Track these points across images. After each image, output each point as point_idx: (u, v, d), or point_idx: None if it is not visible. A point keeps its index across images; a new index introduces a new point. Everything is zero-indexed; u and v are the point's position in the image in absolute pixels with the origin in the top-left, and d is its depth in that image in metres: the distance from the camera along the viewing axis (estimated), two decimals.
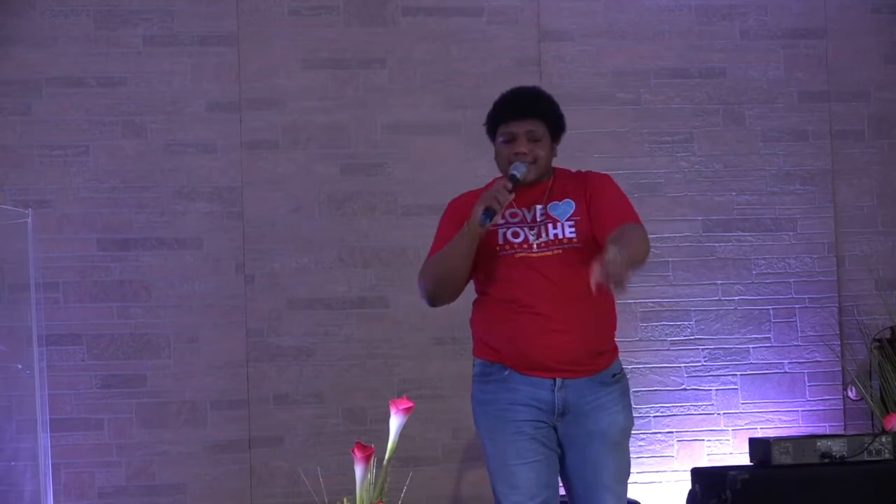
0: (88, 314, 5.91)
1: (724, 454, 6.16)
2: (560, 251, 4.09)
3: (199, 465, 5.93)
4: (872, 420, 6.13)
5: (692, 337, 6.23)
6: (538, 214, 4.16)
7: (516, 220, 4.16)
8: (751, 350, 6.26)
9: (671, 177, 6.28)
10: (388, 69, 6.17)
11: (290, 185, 6.07)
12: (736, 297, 6.26)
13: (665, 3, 6.33)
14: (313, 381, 6.01)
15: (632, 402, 4.21)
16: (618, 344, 4.21)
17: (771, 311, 6.28)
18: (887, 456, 5.53)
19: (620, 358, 4.23)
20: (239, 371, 5.98)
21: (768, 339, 6.27)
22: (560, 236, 4.11)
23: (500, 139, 4.19)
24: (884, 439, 5.55)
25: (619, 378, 4.17)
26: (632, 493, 5.90)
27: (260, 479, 5.96)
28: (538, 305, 4.05)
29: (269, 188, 6.06)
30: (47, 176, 5.95)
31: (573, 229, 4.11)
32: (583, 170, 4.36)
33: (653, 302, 6.22)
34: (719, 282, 6.26)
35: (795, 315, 6.29)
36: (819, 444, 5.52)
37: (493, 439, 4.13)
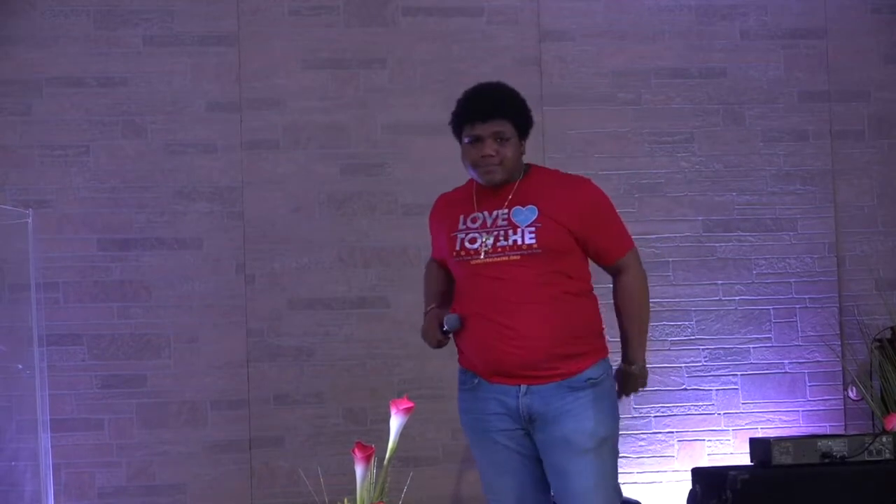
0: (89, 314, 5.91)
1: (725, 454, 6.16)
2: (518, 257, 4.00)
3: (199, 465, 5.93)
4: (873, 420, 6.13)
5: (693, 337, 6.23)
6: (500, 219, 4.07)
7: (476, 224, 4.10)
8: (751, 350, 6.26)
9: (671, 177, 6.28)
10: (389, 69, 6.17)
11: (291, 185, 6.07)
12: (736, 297, 6.26)
13: (665, 4, 6.33)
14: (313, 381, 6.01)
15: (610, 408, 4.04)
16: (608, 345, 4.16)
17: (771, 311, 6.28)
18: (888, 456, 5.53)
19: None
20: (239, 371, 5.98)
21: (769, 339, 6.27)
22: (520, 242, 4.01)
23: (465, 140, 4.09)
24: (884, 439, 5.55)
25: (596, 383, 4.03)
26: (632, 493, 5.91)
27: (260, 480, 5.96)
28: (492, 312, 3.99)
29: (269, 188, 6.06)
30: (47, 176, 5.94)
31: (533, 236, 4.01)
32: (577, 174, 4.22)
33: (653, 302, 6.08)
34: (720, 282, 6.26)
35: (796, 315, 6.29)
36: (819, 444, 5.51)
37: (475, 447, 4.14)
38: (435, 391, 6.01)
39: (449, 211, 4.20)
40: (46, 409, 5.66)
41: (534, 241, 4.00)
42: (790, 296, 6.28)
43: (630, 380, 4.20)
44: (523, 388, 4.00)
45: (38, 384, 5.54)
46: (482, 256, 4.02)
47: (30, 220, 5.66)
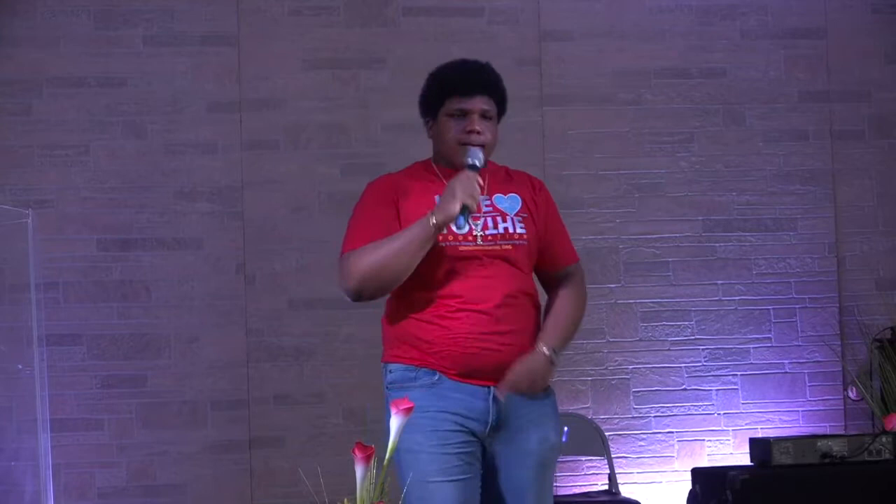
0: (89, 314, 5.91)
1: (725, 454, 6.16)
2: (510, 247, 3.73)
3: (199, 465, 5.93)
4: (873, 420, 6.13)
5: (692, 337, 6.23)
6: (482, 204, 3.74)
7: None
8: (751, 350, 6.26)
9: (672, 177, 6.28)
10: (389, 69, 6.17)
11: (291, 185, 6.07)
12: (736, 297, 6.26)
13: (666, 4, 6.33)
14: (314, 381, 6.01)
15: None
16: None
17: (771, 311, 6.28)
18: (887, 456, 5.53)
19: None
20: (239, 371, 5.98)
21: (769, 339, 6.27)
22: (511, 230, 3.75)
23: (446, 114, 3.79)
24: (884, 439, 5.55)
25: (550, 393, 3.81)
26: (632, 492, 5.91)
27: (260, 480, 5.96)
28: (483, 303, 3.68)
29: (269, 188, 6.06)
30: (48, 176, 5.95)
31: (523, 226, 3.76)
32: (518, 169, 3.98)
33: (653, 302, 6.21)
34: (720, 282, 6.26)
35: (796, 315, 6.29)
36: (819, 444, 5.51)
37: (412, 452, 3.74)
38: None
39: (412, 188, 3.80)
40: (46, 410, 5.65)
41: (524, 230, 3.76)
42: (790, 296, 6.28)
43: (540, 366, 3.71)
44: (494, 390, 3.70)
45: (38, 384, 5.54)
46: (479, 242, 3.72)
47: (30, 220, 5.65)
